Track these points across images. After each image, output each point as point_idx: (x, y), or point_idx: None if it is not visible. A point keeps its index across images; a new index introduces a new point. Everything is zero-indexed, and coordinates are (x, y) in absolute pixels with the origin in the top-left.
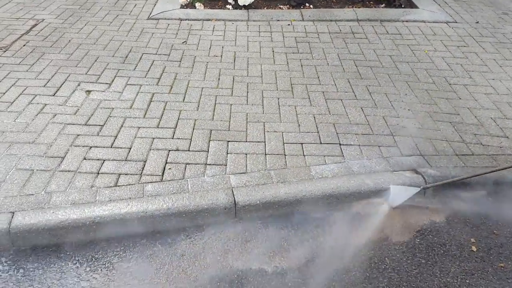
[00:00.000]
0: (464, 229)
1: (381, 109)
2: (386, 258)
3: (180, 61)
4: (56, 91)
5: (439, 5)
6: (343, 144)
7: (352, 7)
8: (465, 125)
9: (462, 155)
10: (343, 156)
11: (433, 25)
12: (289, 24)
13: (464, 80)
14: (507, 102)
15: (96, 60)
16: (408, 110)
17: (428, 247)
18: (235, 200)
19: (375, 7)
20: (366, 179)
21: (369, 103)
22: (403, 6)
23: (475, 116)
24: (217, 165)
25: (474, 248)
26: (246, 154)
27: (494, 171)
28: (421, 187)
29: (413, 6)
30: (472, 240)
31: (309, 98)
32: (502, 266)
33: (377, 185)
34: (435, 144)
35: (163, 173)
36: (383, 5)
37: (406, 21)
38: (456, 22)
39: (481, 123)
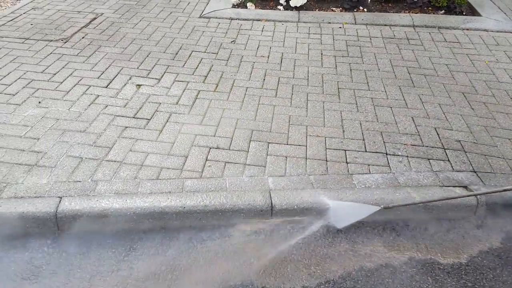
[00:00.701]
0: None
1: (434, 120)
2: (429, 278)
3: (227, 60)
4: (109, 83)
5: (505, 13)
6: (390, 154)
7: (409, 12)
8: None
9: None
10: (389, 166)
11: (496, 34)
12: (340, 27)
13: None
14: None
15: (148, 56)
16: (463, 123)
17: (476, 270)
18: (271, 203)
19: (433, 13)
20: (413, 193)
21: (421, 112)
22: (464, 13)
23: None
24: (256, 166)
25: None
26: (286, 157)
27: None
28: (382, 206)
29: (475, 13)
30: None
31: (356, 104)
32: None
33: (423, 199)
34: (491, 161)
35: (202, 170)
36: (443, 11)
37: (467, 29)
38: None
39: None
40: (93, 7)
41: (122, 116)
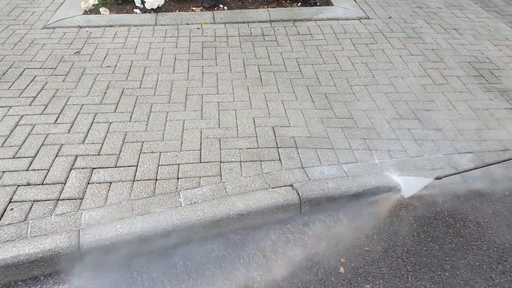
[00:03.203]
0: (336, 247)
1: (273, 119)
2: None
3: (66, 75)
4: None
5: (355, 1)
6: (224, 162)
7: (267, 7)
8: (356, 130)
9: (345, 163)
10: (220, 176)
11: (345, 22)
12: (198, 28)
13: (366, 80)
14: (405, 100)
15: None
16: (301, 117)
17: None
18: (79, 243)
19: (290, 6)
20: (237, 201)
21: (263, 112)
22: (318, 4)
23: (369, 119)
24: (72, 199)
25: (342, 269)
26: (111, 182)
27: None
28: (434, 177)
29: (329, 3)
30: (342, 260)
31: (201, 111)
32: None
33: (247, 206)
34: (320, 154)
35: (1, 216)
36: (299, 4)
37: (320, 20)
38: (369, 18)
39: (373, 126)
40: None
41: None
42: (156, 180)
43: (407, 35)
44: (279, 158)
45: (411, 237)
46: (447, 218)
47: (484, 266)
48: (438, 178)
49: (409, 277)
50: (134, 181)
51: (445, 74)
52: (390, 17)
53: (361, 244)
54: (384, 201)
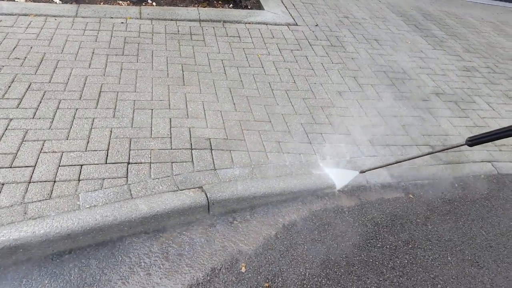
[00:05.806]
0: (238, 246)
1: (191, 120)
2: None
3: None
4: None
5: (286, 7)
6: (132, 163)
7: (198, 6)
8: (272, 133)
9: (258, 165)
10: (126, 177)
11: (274, 27)
12: (122, 22)
13: (287, 85)
14: (321, 106)
15: None
16: (220, 119)
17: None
18: None
19: (221, 7)
20: (141, 204)
21: (181, 112)
22: (249, 7)
23: (286, 122)
24: None
25: (243, 269)
26: (3, 184)
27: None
28: (359, 171)
29: (260, 7)
30: (244, 260)
31: (114, 109)
32: (267, 286)
33: (152, 209)
34: (234, 156)
35: None
36: (231, 5)
37: (249, 23)
38: (297, 25)
39: (289, 129)
40: None
41: None
42: (55, 181)
43: (331, 43)
44: (192, 160)
45: (313, 235)
46: (347, 218)
47: (376, 263)
48: (362, 171)
49: (307, 274)
50: (30, 182)
51: (361, 82)
52: (317, 25)
53: (264, 244)
54: (289, 201)
